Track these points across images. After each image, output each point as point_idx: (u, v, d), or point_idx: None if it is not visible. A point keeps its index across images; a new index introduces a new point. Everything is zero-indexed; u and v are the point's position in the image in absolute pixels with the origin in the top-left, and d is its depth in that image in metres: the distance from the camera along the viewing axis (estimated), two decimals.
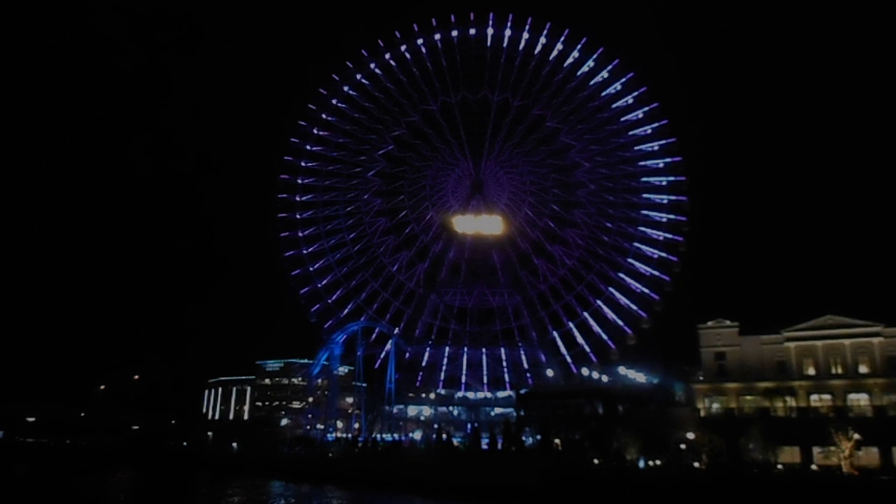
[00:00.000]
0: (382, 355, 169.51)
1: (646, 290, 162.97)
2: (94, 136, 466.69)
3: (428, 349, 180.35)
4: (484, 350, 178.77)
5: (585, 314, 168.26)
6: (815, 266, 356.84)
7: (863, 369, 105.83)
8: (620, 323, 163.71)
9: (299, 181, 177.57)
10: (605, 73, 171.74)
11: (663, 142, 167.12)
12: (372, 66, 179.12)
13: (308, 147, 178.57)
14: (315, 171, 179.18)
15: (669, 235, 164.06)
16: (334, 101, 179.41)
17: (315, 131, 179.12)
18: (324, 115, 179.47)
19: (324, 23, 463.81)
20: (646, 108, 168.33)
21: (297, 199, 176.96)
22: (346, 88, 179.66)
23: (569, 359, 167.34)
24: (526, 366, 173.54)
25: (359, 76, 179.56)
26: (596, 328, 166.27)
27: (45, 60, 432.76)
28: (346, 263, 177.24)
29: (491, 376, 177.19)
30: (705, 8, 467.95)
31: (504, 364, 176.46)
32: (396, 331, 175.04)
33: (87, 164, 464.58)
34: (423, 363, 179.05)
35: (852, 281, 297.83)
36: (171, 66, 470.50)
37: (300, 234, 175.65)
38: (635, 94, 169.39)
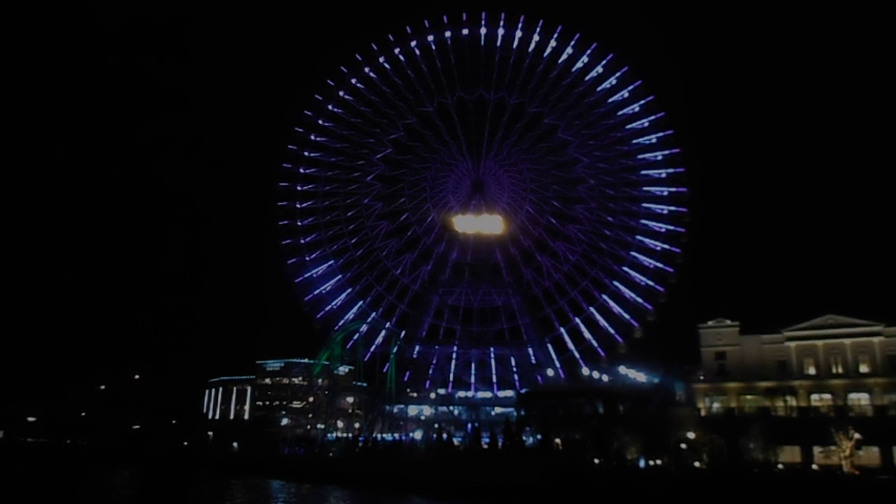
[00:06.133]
0: (391, 359, 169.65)
1: (650, 283, 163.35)
2: (95, 136, 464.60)
3: (434, 350, 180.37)
4: (492, 350, 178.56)
5: (591, 309, 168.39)
6: (815, 266, 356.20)
7: (863, 369, 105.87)
8: (626, 317, 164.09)
9: (298, 188, 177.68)
10: (599, 69, 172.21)
11: (661, 134, 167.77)
12: (367, 70, 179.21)
13: (306, 153, 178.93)
14: (314, 177, 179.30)
15: (671, 227, 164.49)
16: (330, 107, 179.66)
17: (312, 137, 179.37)
18: (320, 121, 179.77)
19: (317, 29, 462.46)
20: (642, 102, 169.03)
21: (298, 206, 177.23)
22: (341, 93, 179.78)
23: (577, 354, 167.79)
24: (534, 360, 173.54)
25: (354, 80, 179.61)
26: (602, 322, 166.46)
27: (41, 59, 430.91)
28: (349, 268, 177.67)
29: (495, 375, 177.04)
30: (701, 1, 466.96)
31: (512, 364, 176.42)
32: (403, 333, 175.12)
33: (89, 166, 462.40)
34: (429, 363, 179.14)
35: (852, 281, 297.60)
36: (167, 70, 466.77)
37: (302, 241, 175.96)
38: (631, 88, 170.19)
